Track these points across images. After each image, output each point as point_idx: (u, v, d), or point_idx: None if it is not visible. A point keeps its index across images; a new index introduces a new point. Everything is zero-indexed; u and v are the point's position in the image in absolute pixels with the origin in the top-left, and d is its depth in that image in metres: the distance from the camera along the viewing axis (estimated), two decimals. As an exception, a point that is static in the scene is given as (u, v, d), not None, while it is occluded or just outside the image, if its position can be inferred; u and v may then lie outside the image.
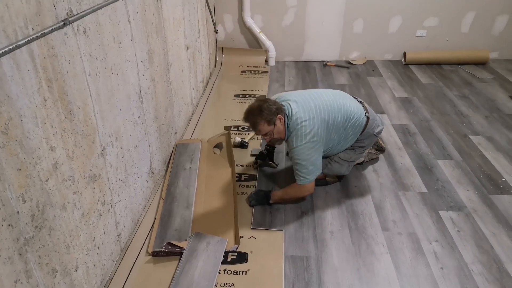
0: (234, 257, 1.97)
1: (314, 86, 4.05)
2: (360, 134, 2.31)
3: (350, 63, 4.65)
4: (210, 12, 4.20)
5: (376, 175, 2.60)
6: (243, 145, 2.90)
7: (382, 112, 3.44)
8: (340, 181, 2.53)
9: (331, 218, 2.24)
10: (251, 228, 2.16)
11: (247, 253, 1.98)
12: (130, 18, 2.00)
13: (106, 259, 1.80)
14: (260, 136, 2.29)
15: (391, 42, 4.62)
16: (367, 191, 2.45)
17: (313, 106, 2.15)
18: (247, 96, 3.77)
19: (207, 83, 4.08)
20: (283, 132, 2.17)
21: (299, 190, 2.24)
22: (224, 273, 1.87)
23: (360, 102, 2.37)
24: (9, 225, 1.15)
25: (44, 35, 1.27)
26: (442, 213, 2.25)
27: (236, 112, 3.42)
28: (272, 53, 4.59)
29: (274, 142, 2.32)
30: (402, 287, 1.81)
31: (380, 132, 2.39)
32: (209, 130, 3.14)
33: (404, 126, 3.21)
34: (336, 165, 2.38)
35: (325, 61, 4.68)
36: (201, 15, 3.75)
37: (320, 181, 2.48)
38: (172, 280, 1.82)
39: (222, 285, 1.81)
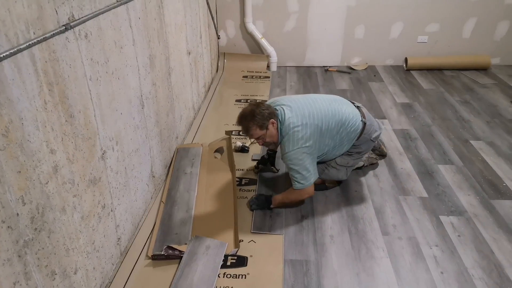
0: (234, 260, 1.97)
1: (316, 91, 4.06)
2: (357, 139, 2.31)
3: (351, 68, 4.66)
4: (212, 18, 4.23)
5: (377, 180, 2.60)
6: (244, 149, 2.91)
7: (383, 117, 3.44)
8: (339, 186, 2.53)
9: (331, 222, 2.24)
10: (251, 232, 2.16)
11: (246, 257, 1.98)
12: (132, 24, 2.02)
13: (106, 262, 1.81)
14: (253, 139, 2.30)
15: (392, 48, 4.63)
16: (368, 196, 2.45)
17: (306, 113, 2.16)
18: (248, 101, 3.78)
19: (209, 88, 4.10)
20: (276, 136, 2.19)
21: (299, 194, 2.24)
22: (223, 277, 1.88)
23: (358, 107, 2.37)
24: (8, 227, 1.16)
25: (45, 39, 1.28)
26: (442, 217, 2.25)
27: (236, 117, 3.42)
28: (274, 58, 4.61)
29: (267, 145, 2.36)
30: (401, 291, 1.81)
31: (377, 137, 2.40)
32: (210, 134, 3.16)
33: (405, 131, 3.21)
34: (333, 170, 2.38)
35: (326, 66, 4.70)
36: (203, 20, 3.78)
37: (319, 186, 2.49)
38: (171, 283, 1.82)
39: (222, 289, 1.82)
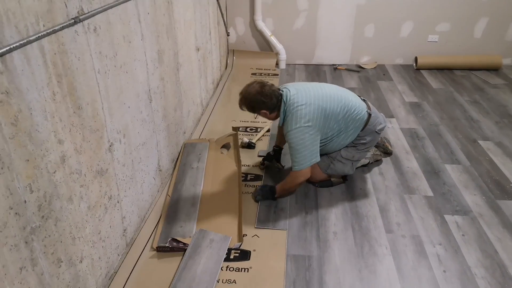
0: (237, 254, 1.99)
1: (324, 89, 4.06)
2: (362, 130, 2.33)
3: (360, 67, 4.65)
4: (222, 15, 4.25)
5: (382, 178, 2.60)
6: (250, 145, 2.93)
7: (391, 116, 3.43)
8: (345, 182, 2.54)
9: (335, 219, 2.25)
10: (255, 227, 2.18)
11: (249, 251, 2.01)
12: (141, 18, 2.04)
13: (112, 252, 1.84)
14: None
15: (402, 47, 4.60)
16: (372, 193, 2.45)
17: (312, 94, 2.20)
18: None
19: (218, 84, 4.12)
20: (270, 118, 2.32)
21: (295, 177, 2.25)
22: (226, 270, 1.90)
23: (364, 100, 2.41)
24: (16, 213, 1.19)
25: (54, 31, 1.31)
26: (447, 216, 2.24)
27: (244, 114, 3.42)
28: (283, 56, 4.62)
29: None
30: (403, 288, 1.81)
31: (382, 129, 2.40)
32: (217, 130, 3.18)
33: (413, 130, 3.20)
34: (339, 164, 2.39)
35: (335, 64, 4.70)
36: (213, 18, 3.80)
37: (325, 182, 2.50)
38: (175, 275, 1.85)
39: (224, 281, 1.84)
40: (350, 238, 2.11)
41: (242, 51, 4.72)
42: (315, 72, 4.54)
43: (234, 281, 1.84)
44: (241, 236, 2.07)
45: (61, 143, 1.39)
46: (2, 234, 1.14)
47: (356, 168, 2.59)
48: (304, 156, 2.17)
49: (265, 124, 3.26)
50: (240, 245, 2.03)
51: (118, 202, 1.87)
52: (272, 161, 2.70)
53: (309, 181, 2.51)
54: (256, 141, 3.01)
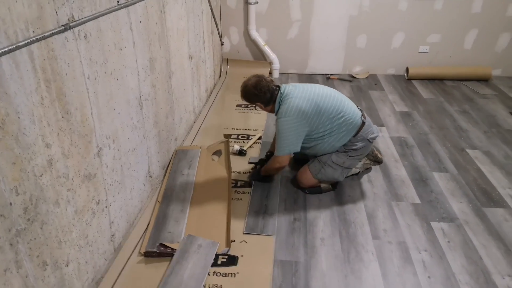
0: (225, 259, 2.00)
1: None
2: (354, 136, 2.38)
3: (353, 76, 4.71)
4: (216, 25, 4.31)
5: (371, 185, 2.63)
6: (241, 152, 2.96)
7: (381, 125, 3.47)
8: (335, 190, 2.57)
9: (323, 225, 2.27)
10: (243, 233, 2.20)
11: (237, 257, 2.02)
12: (133, 26, 2.08)
13: (99, 257, 1.85)
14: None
15: (394, 57, 4.67)
16: (360, 200, 2.48)
17: (308, 91, 2.35)
18: (249, 106, 3.83)
19: (211, 92, 4.16)
20: (266, 110, 2.50)
21: (274, 161, 2.46)
22: (213, 275, 1.91)
23: (360, 109, 2.49)
24: (1, 215, 1.21)
25: (44, 38, 1.34)
26: (433, 223, 2.27)
27: (237, 121, 3.49)
28: (276, 65, 4.67)
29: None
30: (388, 294, 1.83)
31: (374, 138, 2.44)
32: (210, 138, 3.21)
33: (402, 139, 3.24)
34: (329, 169, 2.42)
35: (328, 74, 4.75)
36: (207, 27, 3.85)
37: (315, 189, 2.53)
38: (161, 280, 1.86)
39: (211, 286, 1.85)
40: (337, 244, 2.13)
41: (236, 60, 4.77)
42: (308, 81, 4.57)
43: (221, 286, 1.85)
44: (229, 242, 2.09)
45: (49, 147, 1.42)
46: (-13, 235, 1.16)
47: (346, 176, 2.62)
48: (286, 144, 2.32)
49: (257, 131, 3.30)
50: (228, 251, 2.05)
51: (106, 207, 1.89)
52: (263, 166, 2.72)
53: (299, 187, 2.55)
54: (247, 148, 3.04)
